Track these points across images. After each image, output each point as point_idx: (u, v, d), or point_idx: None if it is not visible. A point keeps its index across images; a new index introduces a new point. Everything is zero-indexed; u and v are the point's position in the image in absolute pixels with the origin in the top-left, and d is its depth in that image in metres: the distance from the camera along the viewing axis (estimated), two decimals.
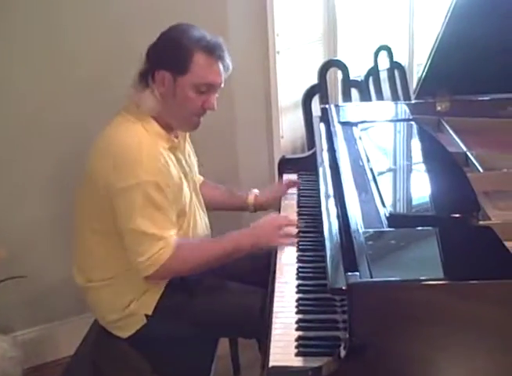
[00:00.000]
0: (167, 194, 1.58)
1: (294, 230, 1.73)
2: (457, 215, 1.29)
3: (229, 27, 2.44)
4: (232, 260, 1.68)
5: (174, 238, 1.59)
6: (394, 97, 3.22)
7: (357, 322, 1.10)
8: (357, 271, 1.11)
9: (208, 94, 1.64)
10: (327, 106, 2.27)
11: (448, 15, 2.00)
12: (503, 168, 1.66)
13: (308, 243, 1.72)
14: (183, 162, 1.75)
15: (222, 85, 1.66)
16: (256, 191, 2.06)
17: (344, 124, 2.03)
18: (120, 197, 1.55)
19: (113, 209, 1.58)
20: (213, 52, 1.61)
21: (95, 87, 2.24)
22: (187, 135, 1.84)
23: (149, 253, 1.55)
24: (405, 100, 3.12)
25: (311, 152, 2.31)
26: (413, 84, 3.53)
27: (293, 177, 2.22)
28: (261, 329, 1.54)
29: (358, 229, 1.27)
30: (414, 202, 1.43)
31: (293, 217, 1.85)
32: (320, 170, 1.80)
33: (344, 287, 1.11)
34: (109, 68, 2.25)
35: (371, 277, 1.09)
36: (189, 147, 1.87)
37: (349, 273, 1.10)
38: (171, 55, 1.61)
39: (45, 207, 2.32)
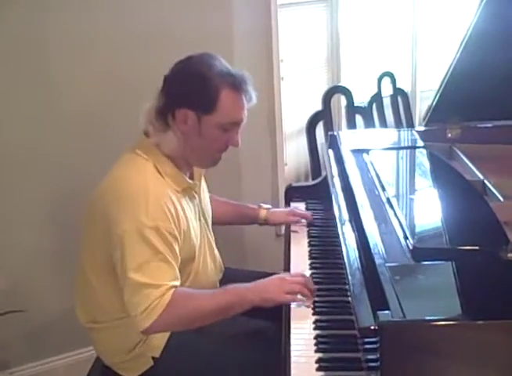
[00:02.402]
0: (171, 242, 1.47)
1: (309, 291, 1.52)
2: (488, 249, 1.22)
3: (234, 53, 2.41)
4: (234, 314, 1.52)
5: (172, 289, 1.45)
6: (398, 124, 3.18)
7: (389, 363, 1.03)
8: (387, 309, 1.05)
9: (232, 131, 1.56)
10: (335, 132, 2.22)
11: (463, 43, 1.97)
12: None
13: (323, 275, 1.65)
14: (197, 202, 1.68)
15: (245, 120, 1.58)
16: (269, 206, 2.02)
17: (354, 151, 1.98)
18: (117, 241, 1.44)
19: (111, 251, 1.48)
20: (239, 87, 1.51)
21: (93, 121, 2.20)
22: (202, 173, 1.75)
23: (144, 304, 1.42)
24: (408, 127, 3.10)
25: (318, 180, 2.26)
26: (416, 110, 3.52)
27: (301, 205, 2.17)
28: (274, 367, 1.47)
29: (383, 264, 1.21)
30: (438, 233, 1.36)
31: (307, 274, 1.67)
32: (334, 201, 1.74)
33: (374, 327, 1.04)
34: (106, 101, 2.21)
35: (404, 316, 1.03)
36: (204, 183, 1.79)
37: (380, 312, 1.03)
38: (197, 93, 1.49)
39: (46, 239, 2.25)
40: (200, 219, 1.69)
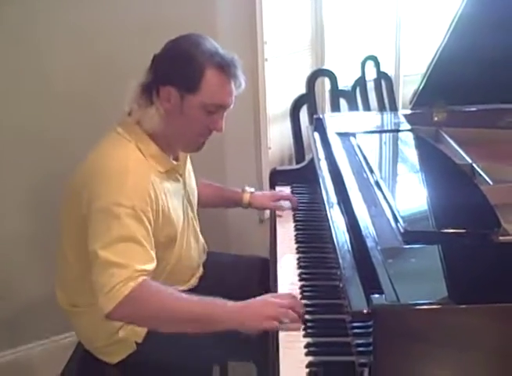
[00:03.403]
0: (146, 224, 1.41)
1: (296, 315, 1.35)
2: (480, 232, 1.20)
3: (218, 34, 2.35)
4: (200, 332, 1.39)
5: (141, 273, 1.36)
6: (381, 107, 3.17)
7: (382, 347, 1.01)
8: (380, 293, 1.02)
9: (217, 114, 1.52)
10: (321, 115, 2.20)
11: (451, 27, 1.95)
12: None
13: (309, 259, 1.63)
14: (182, 184, 1.64)
15: (232, 106, 1.53)
16: (252, 189, 1.99)
17: (340, 134, 1.96)
18: (94, 218, 1.39)
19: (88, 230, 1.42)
20: (226, 69, 1.47)
21: (78, 100, 2.15)
22: (187, 156, 1.72)
23: (110, 284, 1.33)
24: (391, 111, 3.09)
25: (304, 163, 2.24)
26: (400, 95, 3.51)
27: (286, 189, 2.14)
28: (260, 351, 1.45)
29: (375, 247, 1.18)
30: (429, 216, 1.34)
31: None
32: (321, 185, 1.71)
33: (368, 311, 1.02)
34: (93, 80, 2.16)
35: (397, 299, 1.00)
36: (189, 166, 1.76)
37: (374, 295, 1.01)
38: (181, 70, 1.46)
39: (24, 224, 2.19)
40: (183, 202, 1.65)
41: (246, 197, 1.97)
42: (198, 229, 1.76)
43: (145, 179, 1.45)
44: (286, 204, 1.99)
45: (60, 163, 1.99)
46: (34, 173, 2.16)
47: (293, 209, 1.96)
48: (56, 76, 2.12)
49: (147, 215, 1.42)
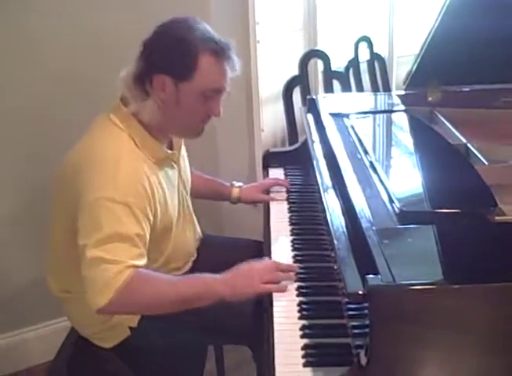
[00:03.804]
0: (140, 220, 1.37)
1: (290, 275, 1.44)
2: (477, 212, 1.19)
3: (211, 15, 2.32)
4: (202, 306, 1.40)
5: (132, 268, 1.33)
6: (374, 89, 3.15)
7: (378, 328, 1.00)
8: (377, 273, 1.01)
9: (214, 100, 1.47)
10: (314, 96, 2.17)
11: (445, 8, 1.93)
12: (508, 160, 1.58)
13: (303, 241, 1.62)
14: (176, 172, 1.61)
15: (229, 89, 1.49)
16: (240, 184, 1.96)
17: (334, 115, 1.94)
18: (83, 211, 1.35)
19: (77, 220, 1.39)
20: (220, 53, 1.42)
21: (72, 83, 2.10)
22: (182, 142, 1.67)
23: (100, 280, 1.31)
24: (385, 92, 3.07)
25: (297, 145, 2.22)
26: (393, 76, 3.49)
27: (279, 171, 2.12)
28: (255, 334, 1.45)
29: (370, 227, 1.17)
30: (423, 196, 1.33)
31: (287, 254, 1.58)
32: (315, 166, 1.69)
33: (363, 292, 1.01)
34: (88, 59, 2.11)
35: (393, 280, 0.99)
36: (184, 152, 1.72)
37: (370, 276, 1.00)
38: (174, 58, 1.40)
39: (16, 209, 2.17)
40: (179, 189, 1.62)
41: (236, 192, 1.94)
42: (193, 215, 1.74)
43: (138, 172, 1.41)
44: (277, 189, 1.96)
45: (53, 146, 1.95)
46: (26, 157, 2.13)
47: (288, 191, 1.94)
48: (51, 58, 2.07)
49: (142, 210, 1.38)
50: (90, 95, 2.07)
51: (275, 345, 1.21)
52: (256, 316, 1.47)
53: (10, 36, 2.00)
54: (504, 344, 1.03)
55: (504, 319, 1.02)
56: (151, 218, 1.42)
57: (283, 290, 1.39)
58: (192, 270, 1.70)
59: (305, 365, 1.15)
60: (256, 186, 2.00)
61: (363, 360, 1.02)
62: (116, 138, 1.43)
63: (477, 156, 1.60)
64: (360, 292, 1.03)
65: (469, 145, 1.67)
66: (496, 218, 1.23)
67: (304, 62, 2.74)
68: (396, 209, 1.24)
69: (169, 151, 1.56)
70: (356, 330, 1.19)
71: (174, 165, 1.60)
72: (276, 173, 2.11)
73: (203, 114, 1.50)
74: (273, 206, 1.87)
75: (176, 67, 1.41)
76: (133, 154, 1.43)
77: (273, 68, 2.90)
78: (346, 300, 1.26)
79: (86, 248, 1.33)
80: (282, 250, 1.59)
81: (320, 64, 2.91)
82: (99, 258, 1.31)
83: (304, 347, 1.20)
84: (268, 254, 1.57)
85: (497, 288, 1.00)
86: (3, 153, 2.09)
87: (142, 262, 1.37)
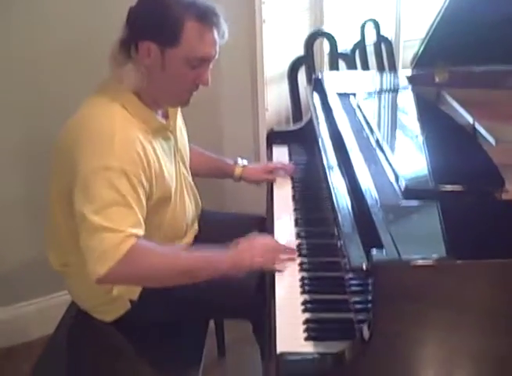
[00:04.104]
0: (137, 188, 1.37)
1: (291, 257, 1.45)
2: (484, 189, 1.18)
3: None
4: (203, 280, 1.41)
5: (132, 237, 1.33)
6: (380, 71, 3.12)
7: (381, 304, 0.99)
8: (381, 248, 1.00)
9: (201, 68, 1.45)
10: (320, 75, 2.15)
11: None
12: None
13: (306, 218, 1.61)
14: (172, 141, 1.59)
15: (217, 56, 1.46)
16: (245, 163, 1.94)
17: (339, 93, 1.92)
18: (80, 181, 1.34)
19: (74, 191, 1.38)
20: (206, 19, 1.39)
21: (70, 54, 2.07)
22: (177, 111, 1.65)
23: (100, 249, 1.31)
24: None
25: (301, 124, 2.20)
26: (400, 59, 3.46)
27: (283, 150, 2.11)
28: (256, 309, 1.44)
29: (375, 203, 1.16)
30: (429, 174, 1.30)
31: (292, 240, 1.55)
32: (320, 142, 1.68)
33: (367, 267, 1.00)
34: (86, 33, 2.08)
35: (398, 255, 0.98)
36: (180, 122, 1.70)
37: (374, 251, 0.99)
38: (159, 24, 1.38)
39: (14, 183, 2.15)
40: (175, 159, 1.61)
41: (239, 171, 1.92)
42: (194, 187, 1.72)
43: (133, 140, 1.39)
44: (281, 173, 1.93)
45: (52, 123, 1.94)
46: (24, 132, 2.11)
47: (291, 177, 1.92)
48: (54, 32, 2.05)
49: (138, 177, 1.38)
50: (93, 72, 2.04)
51: (277, 319, 1.21)
52: (258, 290, 1.46)
53: (11, 9, 1.97)
54: (506, 324, 1.03)
55: (508, 298, 1.01)
56: (147, 187, 1.41)
57: (281, 270, 1.39)
58: (193, 246, 1.69)
59: (307, 339, 1.14)
60: (260, 166, 1.99)
61: (366, 334, 1.01)
62: (109, 108, 1.41)
63: (484, 135, 1.58)
64: (364, 267, 1.02)
65: (476, 124, 1.66)
66: (503, 196, 1.22)
67: (309, 42, 2.71)
68: (402, 186, 1.23)
69: (163, 121, 1.54)
70: (359, 306, 1.18)
71: (170, 136, 1.58)
72: (280, 151, 2.10)
73: (191, 83, 1.47)
74: (277, 183, 1.86)
75: (161, 33, 1.39)
76: (127, 123, 1.41)
77: (279, 48, 2.87)
78: (349, 276, 1.25)
79: (85, 217, 1.32)
80: (285, 226, 1.58)
81: (326, 45, 2.88)
82: (98, 227, 1.31)
83: (306, 321, 1.19)
84: (271, 230, 1.57)
85: (501, 264, 0.99)
86: (2, 131, 2.07)
87: (141, 230, 1.37)
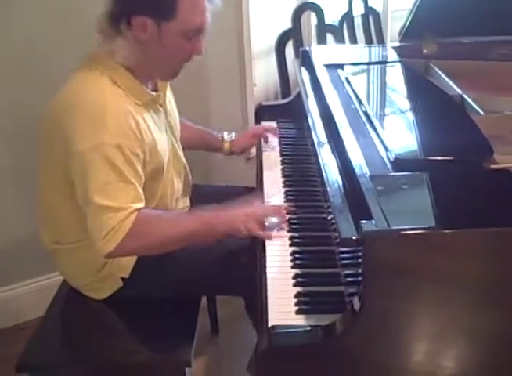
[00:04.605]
0: (133, 161, 1.37)
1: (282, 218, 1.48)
2: (473, 159, 1.18)
3: None
4: (201, 242, 1.46)
5: (135, 212, 1.37)
6: (369, 43, 3.10)
7: (372, 274, 0.99)
8: (371, 219, 1.00)
9: (196, 38, 1.44)
10: (308, 48, 2.13)
11: None
12: (504, 110, 1.56)
13: (296, 193, 1.60)
14: (163, 113, 1.58)
15: (208, 25, 1.45)
16: (232, 136, 1.94)
17: (328, 66, 1.90)
18: (77, 162, 1.34)
19: (69, 171, 1.39)
20: None
21: (65, 23, 2.02)
22: (167, 85, 1.63)
23: (106, 228, 1.34)
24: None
25: (290, 98, 2.19)
26: (388, 31, 3.43)
27: (272, 124, 2.10)
28: (248, 285, 1.44)
29: (364, 175, 1.15)
30: (418, 145, 1.30)
31: (280, 203, 1.58)
32: (308, 116, 1.67)
33: (357, 238, 1.00)
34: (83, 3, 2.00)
35: (388, 225, 0.98)
36: (170, 95, 1.69)
37: (364, 221, 0.99)
38: None
39: (4, 161, 2.12)
40: (166, 132, 1.59)
41: (227, 146, 1.93)
42: (184, 160, 1.72)
43: (125, 114, 1.38)
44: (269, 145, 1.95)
45: (42, 92, 1.90)
46: (15, 104, 2.06)
47: (281, 144, 1.92)
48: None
49: (133, 149, 1.37)
50: (81, 41, 2.00)
51: (268, 293, 1.21)
52: (249, 266, 1.46)
53: None
54: (498, 297, 1.04)
55: (499, 268, 1.02)
56: (142, 158, 1.41)
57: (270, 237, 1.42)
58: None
59: (298, 312, 1.15)
60: (245, 133, 2.00)
61: (357, 306, 1.01)
62: (99, 83, 1.40)
63: (472, 106, 1.58)
64: (354, 237, 1.02)
65: (465, 95, 1.65)
66: (492, 166, 1.22)
67: (297, 15, 2.68)
68: (391, 157, 1.22)
69: (153, 94, 1.53)
70: (349, 279, 1.18)
71: (160, 108, 1.57)
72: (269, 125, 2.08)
73: (186, 54, 1.47)
74: (266, 158, 1.85)
75: (157, 8, 1.36)
76: (117, 97, 1.40)
77: (265, 21, 2.84)
78: (340, 249, 1.25)
79: (87, 198, 1.35)
80: (274, 201, 1.57)
81: (313, 18, 2.85)
82: (101, 207, 1.34)
83: (297, 295, 1.20)
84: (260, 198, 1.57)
85: (491, 233, 1.00)
86: None
87: (142, 203, 1.40)
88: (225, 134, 1.95)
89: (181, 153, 1.69)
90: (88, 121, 1.34)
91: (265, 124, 2.08)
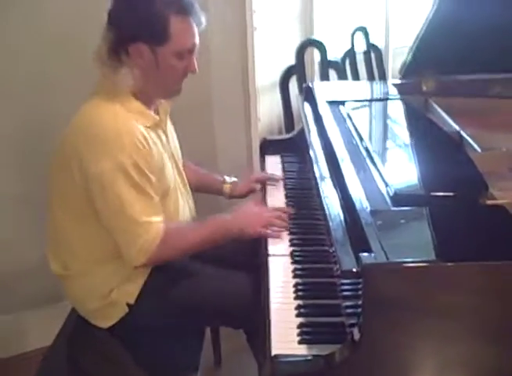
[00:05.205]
0: (150, 177, 1.47)
1: (284, 223, 1.63)
2: (467, 196, 1.22)
3: (208, 2, 2.33)
4: (217, 245, 1.60)
5: (162, 224, 1.50)
6: (370, 79, 3.18)
7: (372, 305, 1.03)
8: (370, 252, 1.04)
9: (189, 57, 1.53)
10: (311, 84, 2.20)
11: None
12: (501, 147, 1.61)
13: (300, 225, 1.64)
14: (165, 141, 1.64)
15: (198, 44, 1.54)
16: (234, 180, 1.98)
17: (330, 103, 1.96)
18: (97, 182, 1.43)
19: (90, 194, 1.46)
20: (186, 10, 1.47)
21: (73, 48, 2.06)
22: (168, 111, 1.70)
23: (139, 243, 1.47)
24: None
25: (293, 133, 2.24)
26: (389, 67, 3.51)
27: (276, 159, 2.15)
28: (251, 317, 1.47)
29: (364, 209, 1.20)
30: (417, 181, 1.36)
31: (281, 205, 1.75)
32: (311, 151, 1.72)
33: (357, 270, 1.04)
34: (88, 24, 2.00)
35: (387, 259, 1.02)
36: (170, 127, 1.75)
37: (363, 254, 1.03)
38: (146, 25, 1.45)
39: (13, 184, 2.16)
40: (170, 158, 1.66)
41: (227, 189, 1.97)
42: (188, 187, 1.78)
43: (138, 134, 1.46)
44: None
45: (52, 118, 1.93)
46: (24, 133, 2.12)
47: (285, 178, 1.97)
48: (50, 21, 2.06)
49: (149, 167, 1.47)
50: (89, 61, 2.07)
51: (272, 323, 1.24)
52: (253, 298, 1.49)
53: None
54: (497, 331, 1.06)
55: (495, 304, 1.05)
56: (155, 173, 1.50)
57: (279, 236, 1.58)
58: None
59: (300, 342, 1.18)
60: (247, 179, 2.02)
61: (356, 336, 1.05)
62: (110, 108, 1.48)
63: (470, 143, 1.63)
64: (354, 270, 1.06)
65: (462, 132, 1.70)
66: (487, 201, 1.26)
67: (300, 51, 2.77)
68: (390, 192, 1.27)
69: (157, 117, 1.60)
70: (350, 310, 1.21)
71: (162, 135, 1.64)
72: (273, 161, 2.13)
73: (182, 73, 1.55)
74: (270, 192, 1.90)
75: (150, 34, 1.46)
76: (129, 121, 1.47)
77: (270, 57, 2.92)
78: (341, 281, 1.29)
79: (113, 217, 1.46)
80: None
81: (316, 54, 2.93)
82: (129, 223, 1.45)
83: (300, 325, 1.23)
84: (265, 243, 1.60)
85: (487, 267, 1.03)
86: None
87: (162, 215, 1.52)
88: (227, 178, 1.99)
89: (186, 181, 1.76)
90: (104, 143, 1.42)
91: (269, 158, 2.13)
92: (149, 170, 1.47)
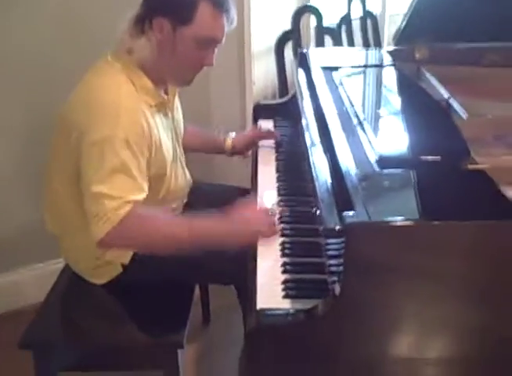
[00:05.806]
0: (139, 157, 1.45)
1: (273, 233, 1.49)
2: (449, 160, 1.26)
3: None
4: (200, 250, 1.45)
5: (130, 203, 1.42)
6: (366, 46, 3.18)
7: (353, 263, 1.07)
8: (353, 211, 1.08)
9: (209, 49, 1.54)
10: (305, 50, 2.21)
11: None
12: (487, 114, 1.64)
13: (288, 187, 1.68)
14: (170, 119, 1.67)
15: (223, 41, 1.55)
16: (233, 135, 2.01)
17: (324, 68, 1.99)
18: (87, 151, 1.43)
19: (79, 157, 1.47)
20: (220, 4, 1.48)
21: (75, 25, 2.12)
22: (176, 92, 1.73)
23: (99, 214, 1.41)
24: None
25: (287, 98, 2.27)
26: (385, 34, 3.51)
27: (269, 123, 2.18)
28: (241, 275, 1.52)
29: (350, 171, 1.24)
30: (403, 145, 1.39)
31: (274, 199, 1.65)
32: (303, 117, 1.75)
33: (339, 228, 1.08)
34: (93, 4, 2.13)
35: (369, 217, 1.06)
36: (177, 101, 1.78)
37: (346, 213, 1.07)
38: (174, 2, 1.48)
39: (13, 148, 2.20)
40: (172, 136, 1.68)
41: (229, 142, 2.00)
42: (184, 165, 1.80)
43: (137, 112, 1.47)
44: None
45: (53, 88, 1.97)
46: (25, 98, 2.15)
47: (276, 141, 2.00)
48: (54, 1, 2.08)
49: (140, 147, 1.46)
50: (94, 41, 2.06)
51: (258, 279, 1.29)
52: (242, 254, 1.54)
53: None
54: (479, 293, 1.09)
55: (477, 264, 1.08)
56: (147, 158, 1.49)
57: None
58: (182, 213, 1.78)
59: (285, 297, 1.23)
60: (246, 134, 2.07)
61: (337, 291, 1.09)
62: (114, 80, 1.49)
63: (457, 110, 1.66)
64: (337, 228, 1.10)
65: (451, 100, 1.73)
66: (469, 166, 1.30)
67: (296, 17, 2.77)
68: (376, 156, 1.30)
69: (165, 97, 1.61)
70: (333, 268, 1.26)
71: (169, 112, 1.66)
72: (266, 125, 2.16)
73: (196, 63, 1.56)
74: (261, 154, 1.93)
75: (176, 11, 1.47)
76: (132, 96, 1.49)
77: (266, 22, 2.92)
78: (326, 240, 1.33)
79: (89, 185, 1.42)
80: (268, 195, 1.66)
81: (313, 20, 2.93)
82: (99, 194, 1.41)
83: (285, 281, 1.28)
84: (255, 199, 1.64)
85: (467, 226, 1.06)
86: (5, 98, 2.12)
87: (142, 195, 1.46)
88: (228, 134, 2.02)
89: (183, 159, 1.78)
90: (102, 115, 1.43)
91: (262, 122, 2.16)
92: (140, 150, 1.45)
